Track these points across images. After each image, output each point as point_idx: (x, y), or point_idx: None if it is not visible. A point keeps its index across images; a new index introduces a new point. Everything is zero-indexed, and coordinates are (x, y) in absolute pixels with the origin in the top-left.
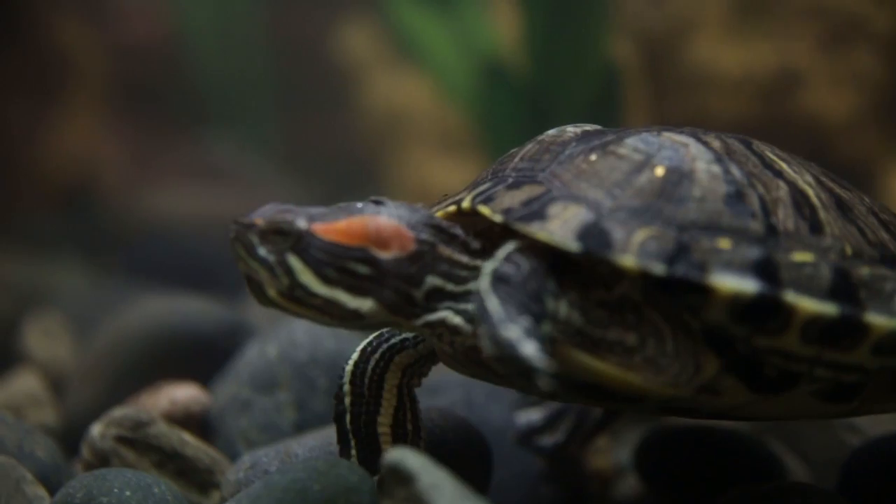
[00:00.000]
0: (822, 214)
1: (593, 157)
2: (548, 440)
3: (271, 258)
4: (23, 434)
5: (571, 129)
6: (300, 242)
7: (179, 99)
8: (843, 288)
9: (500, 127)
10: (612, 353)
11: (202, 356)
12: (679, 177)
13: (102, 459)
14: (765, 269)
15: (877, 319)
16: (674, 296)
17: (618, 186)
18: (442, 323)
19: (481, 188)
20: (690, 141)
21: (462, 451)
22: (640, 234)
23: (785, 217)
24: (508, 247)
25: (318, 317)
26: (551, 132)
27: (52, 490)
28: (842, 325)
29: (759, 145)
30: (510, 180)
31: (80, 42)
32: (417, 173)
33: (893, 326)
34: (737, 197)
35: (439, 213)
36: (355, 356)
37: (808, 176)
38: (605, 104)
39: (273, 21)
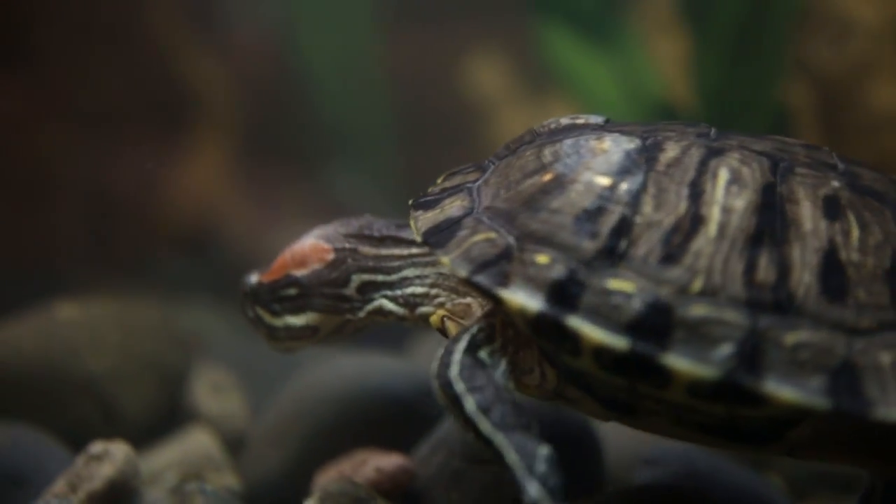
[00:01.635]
0: (697, 245)
1: (528, 153)
2: None
3: (252, 314)
4: None
5: (563, 121)
6: (256, 295)
7: (301, 136)
8: (650, 324)
9: None
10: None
11: (400, 421)
12: (556, 186)
13: None
14: (563, 291)
15: (677, 363)
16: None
17: (506, 187)
18: (380, 310)
19: (459, 167)
20: (616, 147)
21: None
22: (478, 237)
23: (642, 242)
24: (457, 352)
25: (295, 344)
26: (548, 122)
27: None
28: (635, 361)
29: (723, 160)
30: (481, 164)
31: (208, 80)
32: None
33: (698, 374)
34: (593, 214)
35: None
36: None
37: (739, 201)
38: None
39: (396, 54)
